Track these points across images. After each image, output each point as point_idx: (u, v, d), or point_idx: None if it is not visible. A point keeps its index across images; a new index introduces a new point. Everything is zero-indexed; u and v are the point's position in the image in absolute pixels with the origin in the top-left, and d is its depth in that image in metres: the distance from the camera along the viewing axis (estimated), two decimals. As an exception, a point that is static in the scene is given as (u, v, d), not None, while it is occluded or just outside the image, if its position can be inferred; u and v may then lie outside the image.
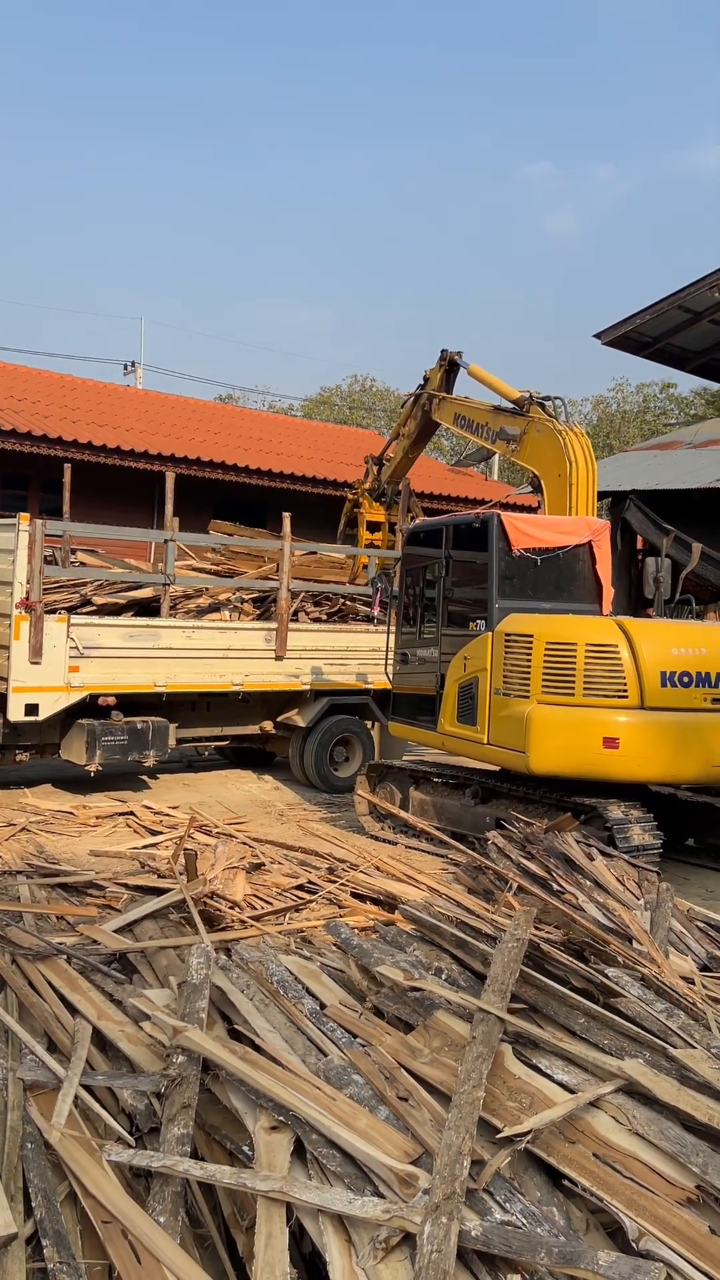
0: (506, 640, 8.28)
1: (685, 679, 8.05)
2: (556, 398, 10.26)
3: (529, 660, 8.04)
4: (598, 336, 16.74)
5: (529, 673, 8.01)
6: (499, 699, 8.26)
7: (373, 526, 13.61)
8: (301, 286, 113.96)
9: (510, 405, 10.25)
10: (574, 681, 7.83)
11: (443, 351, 11.24)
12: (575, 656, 7.88)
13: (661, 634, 8.28)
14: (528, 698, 7.95)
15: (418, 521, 10.78)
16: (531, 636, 8.08)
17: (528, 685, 8.00)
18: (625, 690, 7.83)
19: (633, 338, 16.48)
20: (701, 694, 8.10)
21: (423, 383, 11.71)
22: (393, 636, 10.23)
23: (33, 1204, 2.97)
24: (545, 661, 7.94)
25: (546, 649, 7.95)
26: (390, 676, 10.21)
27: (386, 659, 10.26)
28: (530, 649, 8.05)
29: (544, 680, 7.91)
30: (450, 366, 11.35)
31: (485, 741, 8.42)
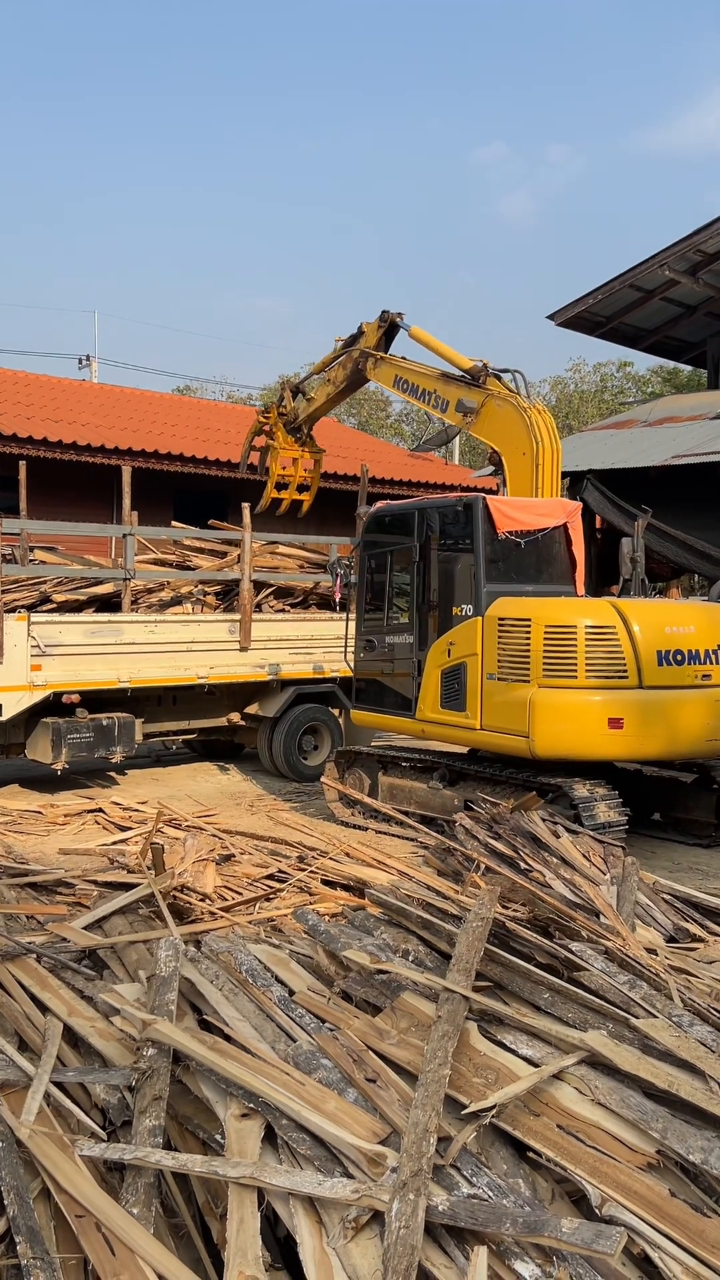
0: (500, 625, 8.29)
1: (679, 657, 8.19)
2: (516, 370, 10.02)
3: (527, 644, 8.05)
4: (551, 318, 16.75)
5: (528, 657, 8.02)
6: (493, 684, 8.27)
7: (289, 456, 12.77)
8: (257, 276, 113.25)
9: (461, 374, 10.00)
10: (575, 664, 7.86)
11: (383, 312, 10.80)
12: (575, 639, 7.91)
13: (654, 614, 8.36)
14: (528, 682, 7.97)
15: (380, 505, 10.50)
16: (529, 620, 8.10)
17: (527, 669, 8.02)
18: (625, 671, 7.93)
19: (586, 318, 16.51)
20: (693, 671, 8.24)
21: (357, 333, 11.23)
22: (353, 624, 10.13)
23: (4, 1201, 2.95)
24: (545, 645, 7.96)
25: (546, 632, 7.98)
26: (352, 664, 10.13)
27: (347, 647, 10.20)
28: (529, 633, 8.07)
29: (545, 664, 7.93)
30: (390, 328, 10.91)
31: (478, 727, 8.41)
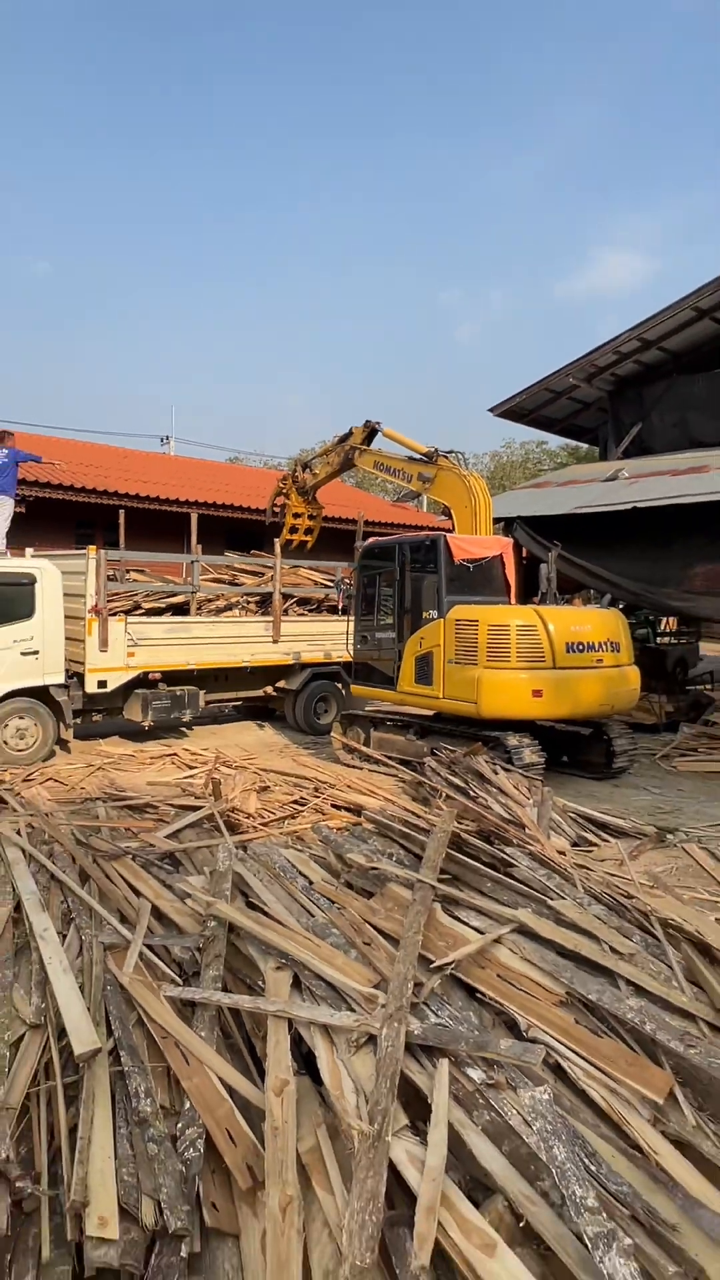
0: (457, 624, 8.23)
1: (580, 647, 8.22)
2: (459, 452, 10.07)
3: (475, 638, 8.01)
4: (491, 410, 16.77)
5: (476, 647, 7.99)
6: (452, 666, 8.22)
7: (299, 516, 12.78)
8: (287, 378, 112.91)
9: (420, 456, 10.01)
10: (509, 652, 7.85)
11: (366, 421, 10.92)
12: (509, 634, 7.89)
13: (563, 617, 8.37)
14: (476, 664, 7.95)
15: (371, 541, 10.45)
16: (477, 621, 8.06)
17: (475, 656, 7.98)
18: (544, 657, 7.91)
19: (515, 410, 16.50)
20: (590, 657, 8.28)
21: (348, 434, 11.19)
22: (351, 624, 10.09)
23: (112, 1028, 2.98)
24: (488, 638, 7.93)
25: (489, 629, 7.95)
26: (351, 653, 10.05)
27: (347, 640, 10.17)
28: (476, 630, 8.02)
29: (488, 652, 7.91)
30: (370, 433, 10.95)
31: (441, 696, 8.37)
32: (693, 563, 12.03)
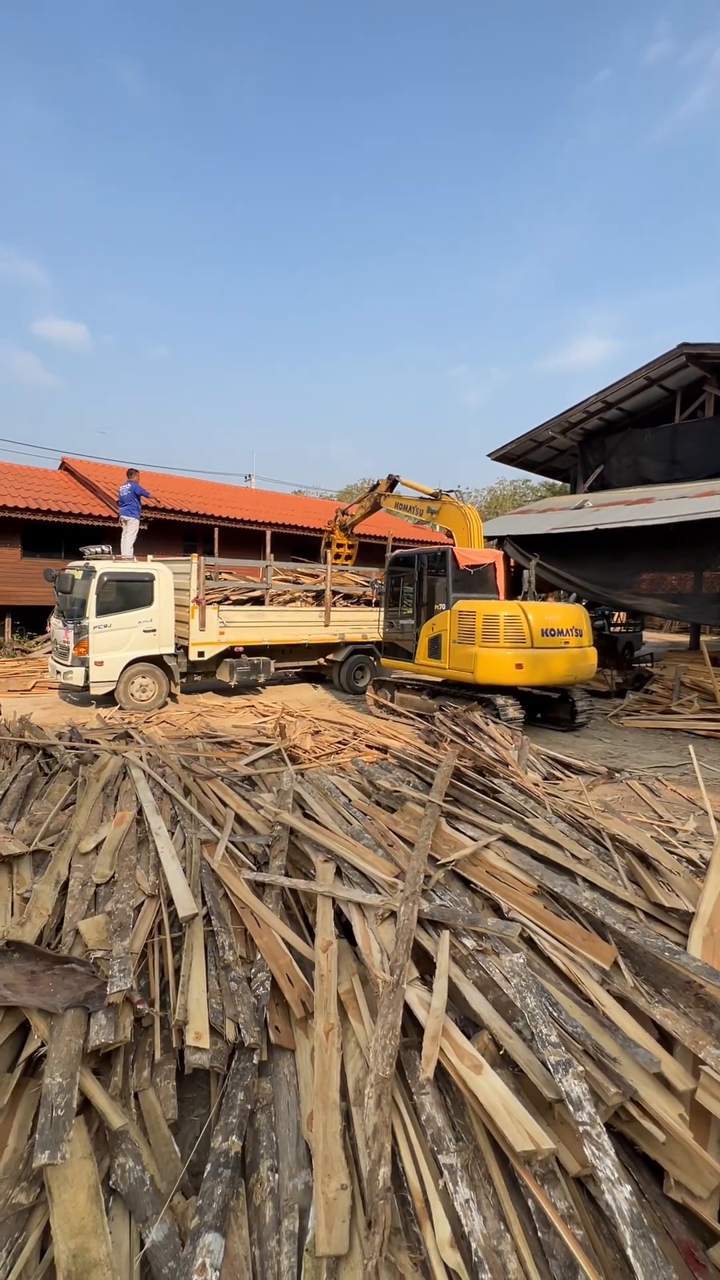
0: (460, 614, 8.16)
1: (552, 632, 8.11)
2: (458, 490, 10.23)
3: (474, 625, 7.96)
4: (489, 455, 16.45)
5: (474, 631, 7.94)
6: (455, 645, 8.17)
7: (340, 545, 12.98)
8: (335, 431, 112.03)
9: (428, 496, 10.04)
10: (499, 635, 7.80)
11: (390, 475, 11.07)
12: (499, 622, 7.83)
13: (540, 610, 8.27)
14: (474, 644, 7.91)
15: (396, 552, 10.30)
16: (475, 612, 8.02)
17: (473, 637, 7.94)
18: (525, 639, 7.86)
19: (506, 455, 16.16)
20: (559, 640, 8.16)
21: (375, 485, 11.29)
22: (381, 614, 10.07)
23: (205, 899, 2.98)
24: (483, 625, 7.88)
25: (484, 618, 7.90)
26: (381, 635, 10.06)
27: (379, 625, 10.16)
28: (475, 618, 7.97)
29: (483, 635, 7.86)
30: (392, 483, 11.11)
31: (447, 667, 8.33)
32: (639, 571, 11.73)
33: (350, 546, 12.82)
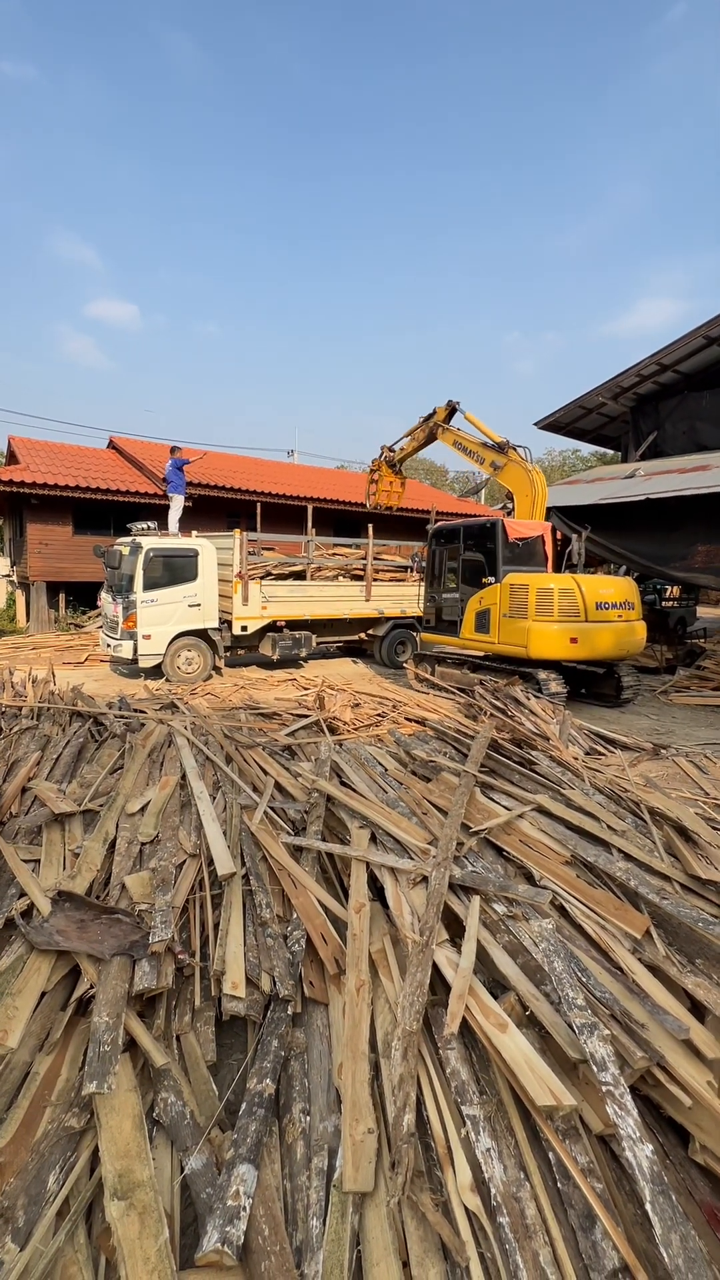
0: (512, 588, 8.07)
1: (605, 606, 7.97)
2: (525, 446, 9.33)
3: (526, 598, 7.86)
4: (536, 424, 15.95)
5: (527, 605, 7.85)
6: (506, 619, 8.08)
7: (389, 483, 11.81)
8: (382, 404, 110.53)
9: (493, 444, 9.17)
10: (553, 609, 7.71)
11: (449, 401, 9.83)
12: (553, 595, 7.72)
13: (594, 583, 8.10)
14: (526, 618, 7.84)
15: (438, 524, 9.94)
16: (528, 585, 7.91)
17: (526, 611, 7.86)
18: (579, 613, 7.77)
19: (554, 424, 15.63)
20: (613, 614, 8.02)
21: (432, 413, 10.13)
22: (422, 588, 9.90)
23: (245, 860, 3.08)
24: (537, 599, 7.78)
25: (538, 591, 7.81)
26: (423, 610, 9.89)
27: (420, 600, 10.02)
28: (528, 592, 7.87)
29: (536, 609, 7.77)
30: (451, 411, 9.83)
31: (496, 642, 8.25)
32: (694, 543, 11.25)
33: (398, 488, 11.75)
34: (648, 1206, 1.44)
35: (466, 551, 8.97)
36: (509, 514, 9.53)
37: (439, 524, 9.90)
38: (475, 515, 21.35)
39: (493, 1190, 1.56)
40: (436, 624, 9.63)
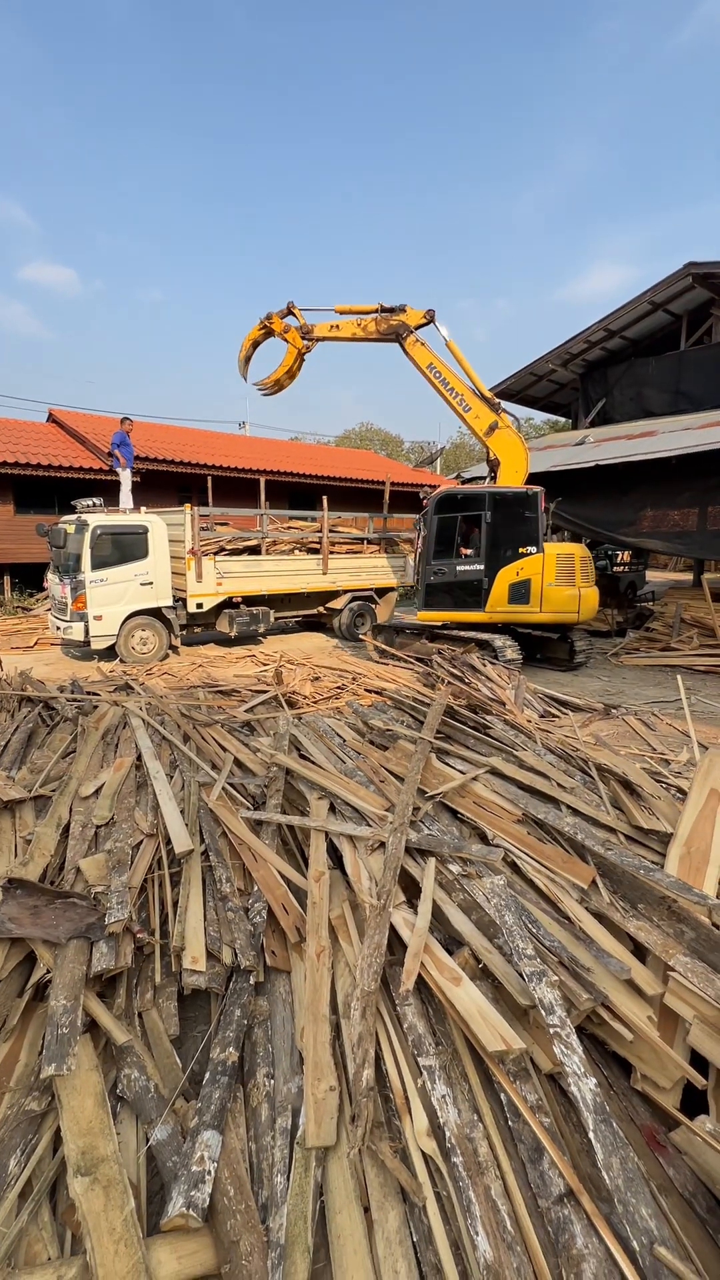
0: (559, 557, 8.26)
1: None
2: (512, 414, 8.60)
3: (572, 566, 8.23)
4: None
5: (573, 572, 8.20)
6: (551, 588, 8.22)
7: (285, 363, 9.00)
8: (335, 373, 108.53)
9: (484, 397, 8.17)
10: (590, 576, 8.35)
11: (430, 309, 7.68)
12: (589, 563, 8.45)
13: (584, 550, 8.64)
14: (573, 585, 8.21)
15: (447, 487, 8.59)
16: (574, 554, 8.31)
17: (573, 579, 8.21)
18: (590, 579, 8.49)
19: (506, 392, 15.58)
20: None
21: (399, 307, 7.92)
22: (418, 560, 8.93)
23: (203, 837, 3.08)
24: (581, 567, 8.28)
25: (582, 560, 8.31)
26: (420, 583, 8.80)
27: (417, 573, 8.97)
28: (573, 561, 8.25)
29: (581, 575, 8.24)
30: (427, 323, 7.92)
31: (540, 611, 8.26)
32: (642, 507, 11.52)
33: (297, 365, 9.09)
34: (591, 1135, 1.53)
35: (492, 520, 8.45)
36: (492, 481, 9.20)
37: (444, 488, 8.98)
38: (434, 487, 21.31)
39: (448, 1134, 1.63)
40: (444, 597, 8.82)
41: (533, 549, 8.32)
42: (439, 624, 9.03)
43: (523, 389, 15.64)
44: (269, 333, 9.14)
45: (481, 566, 8.54)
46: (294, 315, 8.92)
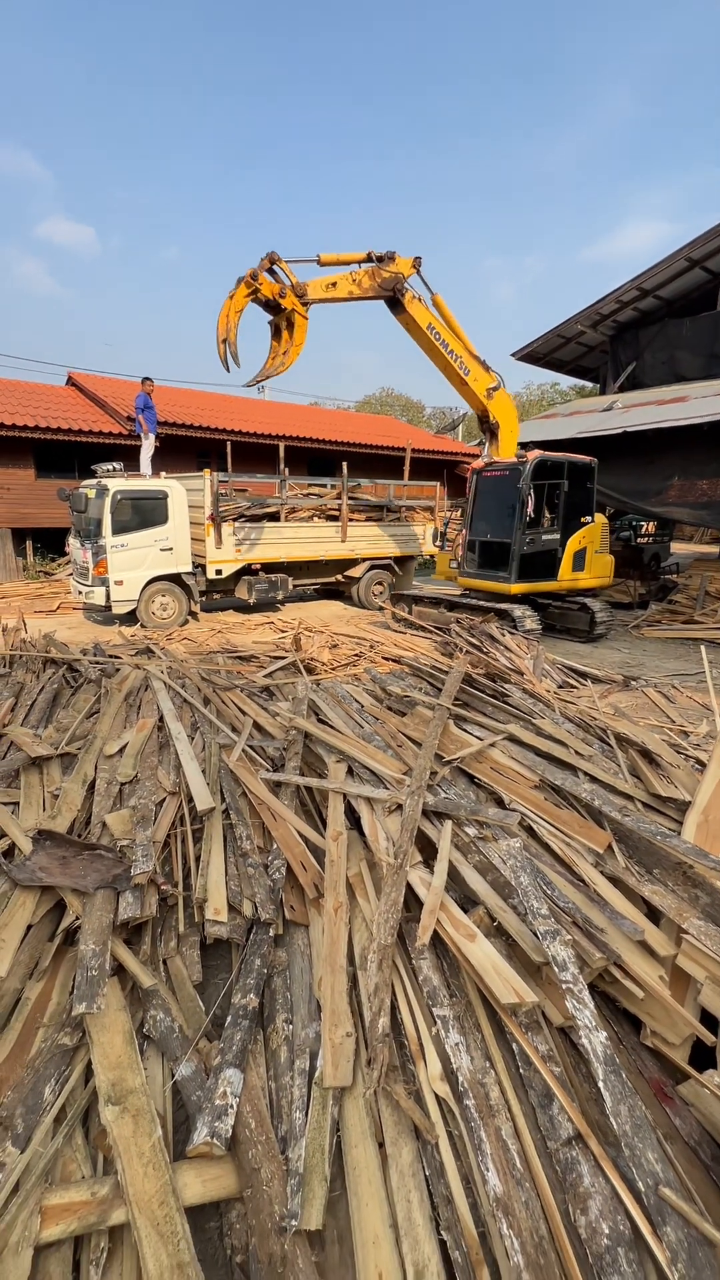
0: (604, 526, 8.66)
1: None
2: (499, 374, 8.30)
3: (607, 535, 8.69)
4: (513, 355, 15.48)
5: (606, 540, 8.63)
6: (597, 556, 8.60)
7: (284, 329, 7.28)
8: (354, 337, 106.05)
9: (474, 355, 7.75)
10: (608, 541, 8.86)
11: (418, 257, 6.87)
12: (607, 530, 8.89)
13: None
14: (607, 552, 8.71)
15: (544, 458, 8.11)
16: (604, 523, 8.69)
17: (607, 546, 8.71)
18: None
19: (532, 354, 15.16)
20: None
21: (388, 256, 6.88)
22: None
23: (224, 796, 3.16)
24: (607, 535, 8.72)
25: (604, 528, 8.66)
26: (515, 555, 8.21)
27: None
28: (607, 529, 8.71)
29: (608, 545, 8.74)
30: (417, 269, 7.04)
31: (586, 576, 8.63)
32: (670, 476, 11.22)
33: (294, 337, 7.25)
34: (600, 1084, 1.58)
35: (570, 490, 8.37)
36: (487, 449, 9.18)
37: (539, 455, 8.38)
38: (454, 454, 20.92)
39: (460, 1078, 1.69)
40: (531, 568, 8.48)
41: (589, 518, 8.52)
42: (459, 592, 9.01)
43: (549, 352, 15.18)
44: (257, 297, 7.03)
45: (558, 536, 8.57)
46: (280, 271, 7.01)
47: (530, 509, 8.16)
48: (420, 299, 7.27)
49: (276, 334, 7.35)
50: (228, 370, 7.20)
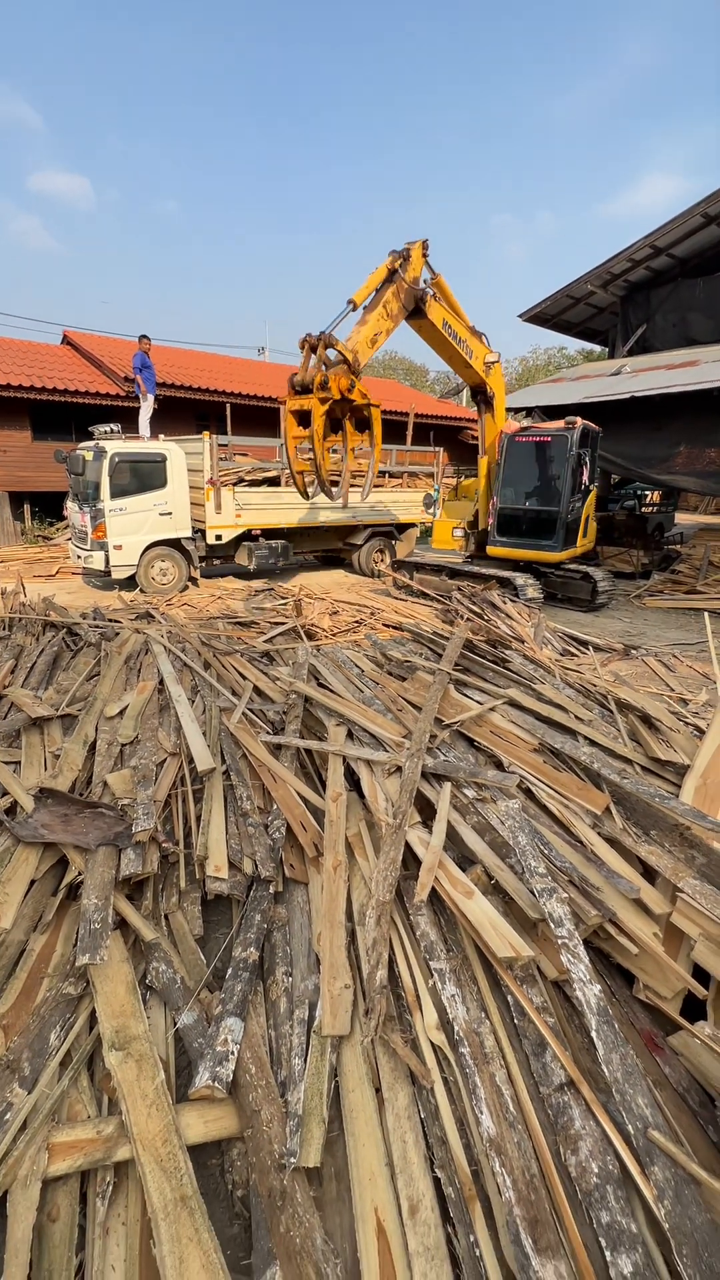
0: (596, 496, 8.91)
1: None
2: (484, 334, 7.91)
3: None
4: (520, 316, 15.06)
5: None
6: (590, 521, 8.91)
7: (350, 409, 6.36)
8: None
9: (478, 332, 7.50)
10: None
11: (425, 240, 6.10)
12: None
13: None
14: (593, 519, 8.93)
15: (585, 423, 8.06)
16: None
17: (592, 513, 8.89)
18: None
19: (539, 316, 14.75)
20: None
21: (403, 254, 6.16)
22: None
23: (225, 758, 3.18)
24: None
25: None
26: (562, 524, 8.17)
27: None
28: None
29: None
30: (425, 256, 6.37)
31: (587, 542, 8.94)
32: (677, 444, 11.02)
33: (363, 409, 6.32)
34: (593, 1034, 1.62)
35: (589, 458, 8.34)
36: (482, 418, 8.99)
37: (585, 425, 8.10)
38: (458, 418, 20.54)
39: (456, 1028, 1.73)
40: (570, 536, 8.38)
41: (592, 486, 8.57)
42: (462, 559, 8.98)
43: (558, 313, 14.76)
44: (328, 400, 5.94)
45: (581, 503, 8.66)
46: (336, 351, 5.95)
47: (585, 477, 8.13)
48: (436, 298, 6.69)
49: (335, 427, 6.37)
50: (306, 498, 6.92)
